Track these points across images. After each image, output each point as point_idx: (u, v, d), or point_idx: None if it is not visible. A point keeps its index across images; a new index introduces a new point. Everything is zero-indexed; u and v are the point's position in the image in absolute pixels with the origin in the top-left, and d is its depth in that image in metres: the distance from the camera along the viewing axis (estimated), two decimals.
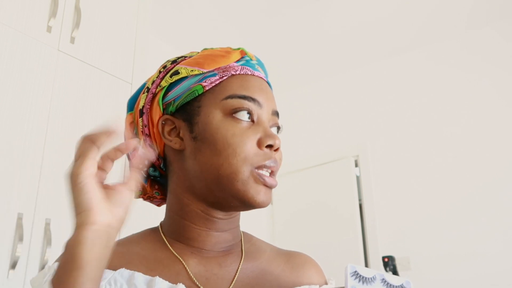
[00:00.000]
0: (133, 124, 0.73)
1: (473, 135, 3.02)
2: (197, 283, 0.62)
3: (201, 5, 2.90)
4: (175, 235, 0.68)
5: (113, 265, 0.62)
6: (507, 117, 2.94)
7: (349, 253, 3.22)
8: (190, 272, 0.63)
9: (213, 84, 0.66)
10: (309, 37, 3.26)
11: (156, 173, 0.73)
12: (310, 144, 3.70)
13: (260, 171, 0.63)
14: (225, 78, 0.67)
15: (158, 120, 0.69)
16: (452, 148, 3.07)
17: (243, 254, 0.69)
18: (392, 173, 3.28)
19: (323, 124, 3.69)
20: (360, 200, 3.40)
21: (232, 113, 0.64)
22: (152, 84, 0.71)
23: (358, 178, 3.47)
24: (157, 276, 0.60)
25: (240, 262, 0.68)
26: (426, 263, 2.94)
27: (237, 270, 0.66)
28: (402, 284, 0.56)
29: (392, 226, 3.18)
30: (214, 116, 0.65)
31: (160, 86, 0.69)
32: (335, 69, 3.66)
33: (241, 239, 0.72)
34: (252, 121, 0.65)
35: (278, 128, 0.70)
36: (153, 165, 0.72)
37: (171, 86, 0.69)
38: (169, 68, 0.70)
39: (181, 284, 0.59)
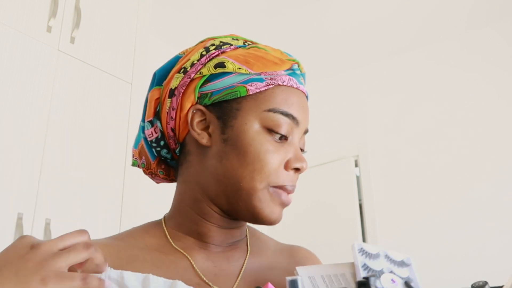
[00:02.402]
0: (158, 101, 0.69)
1: (473, 135, 3.02)
2: (205, 279, 0.62)
3: (201, 5, 2.90)
4: (183, 228, 0.66)
5: (114, 263, 0.60)
6: (507, 117, 2.94)
7: (349, 253, 3.21)
8: (197, 268, 0.63)
9: (258, 90, 0.63)
10: (309, 37, 3.26)
11: (168, 156, 0.70)
12: (310, 144, 3.68)
13: (278, 190, 0.63)
14: (270, 87, 0.64)
15: (190, 108, 0.65)
16: (452, 148, 3.07)
17: (249, 249, 0.69)
18: (392, 173, 3.28)
19: (323, 124, 3.69)
20: (360, 200, 3.40)
21: (270, 127, 0.62)
22: (191, 66, 0.66)
23: (358, 178, 3.47)
24: (150, 274, 0.57)
25: (246, 257, 0.67)
26: (426, 263, 2.94)
27: (243, 265, 0.66)
28: (403, 260, 0.59)
29: (392, 226, 3.18)
30: (251, 126, 0.62)
31: (200, 73, 0.65)
32: (335, 69, 3.66)
33: (247, 234, 0.72)
34: (286, 138, 0.63)
35: (302, 149, 0.69)
36: (167, 147, 0.69)
37: (212, 77, 0.64)
38: (213, 55, 0.65)
39: (178, 280, 0.58)
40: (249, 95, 0.63)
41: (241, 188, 0.61)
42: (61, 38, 1.78)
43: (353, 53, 3.45)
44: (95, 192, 1.74)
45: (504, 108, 2.96)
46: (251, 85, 0.63)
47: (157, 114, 0.69)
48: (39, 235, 1.56)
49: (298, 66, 0.67)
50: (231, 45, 0.67)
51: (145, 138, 0.70)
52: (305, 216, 3.53)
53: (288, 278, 0.54)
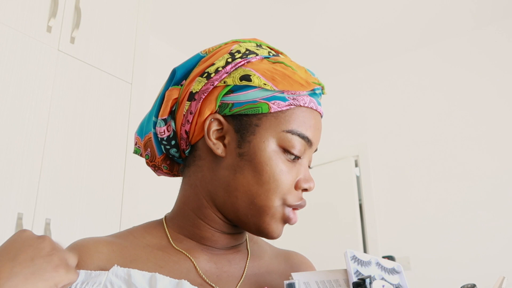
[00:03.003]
0: (175, 101, 0.68)
1: (473, 135, 3.02)
2: (207, 280, 0.62)
3: (201, 5, 2.90)
4: (185, 231, 0.66)
5: (118, 261, 0.60)
6: (508, 117, 2.94)
7: None
8: (199, 270, 0.63)
9: (279, 109, 0.63)
10: (309, 37, 3.26)
11: (177, 155, 0.70)
12: None
13: (289, 209, 0.64)
14: (292, 107, 0.64)
15: (208, 116, 0.64)
16: (453, 148, 3.07)
17: (249, 253, 0.70)
18: (392, 173, 3.28)
19: (323, 124, 3.68)
20: (360, 200, 3.40)
21: (286, 147, 0.63)
22: (215, 72, 0.64)
23: (358, 178, 3.47)
24: (157, 273, 0.58)
25: (247, 261, 0.68)
26: (426, 263, 2.94)
27: (244, 268, 0.67)
28: (394, 267, 0.61)
29: (392, 226, 3.18)
30: (269, 144, 0.63)
31: (224, 82, 0.64)
32: (335, 69, 3.66)
33: (246, 238, 0.73)
34: (298, 158, 0.65)
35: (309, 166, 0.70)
36: (177, 147, 0.69)
37: (236, 87, 0.63)
38: (239, 64, 0.64)
39: (184, 280, 0.58)
40: (270, 112, 0.63)
41: (255, 204, 0.62)
42: (61, 38, 1.78)
43: (353, 53, 3.45)
44: (95, 192, 1.74)
45: (505, 108, 2.96)
46: (273, 103, 0.63)
47: (172, 113, 0.68)
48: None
49: (322, 89, 0.69)
50: (256, 54, 0.66)
51: (155, 134, 0.69)
52: (305, 216, 3.52)
53: (286, 282, 0.55)
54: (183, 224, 0.67)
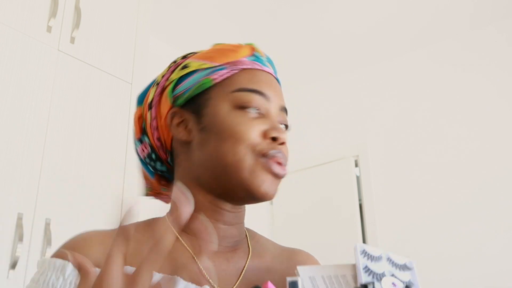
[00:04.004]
0: (141, 119, 0.73)
1: (473, 135, 3.02)
2: (210, 280, 0.62)
3: (201, 5, 2.90)
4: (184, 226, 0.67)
5: None
6: (507, 117, 2.94)
7: (349, 253, 3.22)
8: (201, 266, 0.63)
9: (223, 78, 0.67)
10: (309, 37, 3.26)
11: (163, 168, 0.73)
12: (310, 144, 3.70)
13: (268, 160, 0.63)
14: (235, 72, 0.67)
15: (167, 113, 0.69)
16: (453, 148, 3.07)
17: (251, 251, 0.69)
18: (392, 173, 3.28)
19: (323, 124, 3.69)
20: (360, 200, 3.40)
21: (240, 105, 0.65)
22: (161, 78, 0.71)
23: (358, 178, 3.47)
24: (177, 276, 0.58)
25: (247, 259, 0.68)
26: (426, 263, 2.93)
27: (243, 267, 0.66)
28: (406, 263, 0.59)
29: (392, 226, 3.18)
30: (222, 108, 0.65)
31: (169, 80, 0.70)
32: (335, 69, 3.66)
33: (247, 236, 0.72)
34: (261, 114, 0.66)
35: (286, 126, 0.70)
36: (160, 160, 0.72)
37: (181, 79, 0.69)
38: (179, 63, 0.71)
39: (177, 276, 0.58)
40: (216, 83, 0.67)
41: (228, 164, 0.63)
42: (61, 38, 1.78)
43: (353, 53, 3.45)
44: (95, 192, 1.74)
45: (505, 108, 2.96)
46: (215, 75, 0.67)
47: (143, 131, 0.72)
48: (39, 235, 1.56)
49: (256, 50, 0.71)
50: (195, 52, 0.72)
51: (140, 158, 0.74)
52: (305, 216, 3.53)
53: (289, 279, 0.53)
54: None
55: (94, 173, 1.76)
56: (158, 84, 0.71)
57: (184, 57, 0.72)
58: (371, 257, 0.57)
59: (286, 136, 0.65)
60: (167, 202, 0.77)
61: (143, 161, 0.73)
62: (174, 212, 0.50)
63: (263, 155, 0.63)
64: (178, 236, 0.66)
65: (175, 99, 0.69)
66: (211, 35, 3.14)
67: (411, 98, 3.34)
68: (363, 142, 3.46)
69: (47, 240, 1.55)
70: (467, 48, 3.20)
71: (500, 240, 2.74)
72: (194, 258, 0.64)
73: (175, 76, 0.69)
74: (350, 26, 3.15)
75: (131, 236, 0.47)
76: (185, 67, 0.69)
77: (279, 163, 0.64)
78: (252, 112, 0.65)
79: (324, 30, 3.19)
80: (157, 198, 0.76)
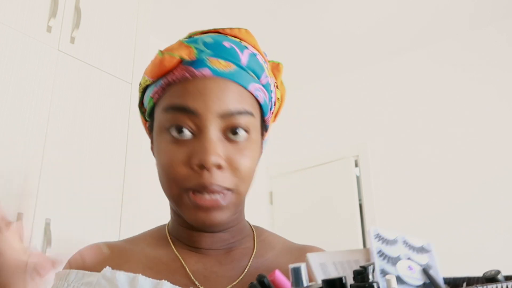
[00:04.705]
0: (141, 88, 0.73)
1: (474, 135, 3.02)
2: (196, 282, 0.62)
3: (201, 5, 2.90)
4: (174, 233, 0.68)
5: (113, 263, 0.63)
6: (507, 117, 2.94)
7: None
8: (188, 270, 0.63)
9: (158, 96, 0.62)
10: (309, 37, 3.26)
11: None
12: (310, 144, 3.70)
13: (196, 193, 0.57)
14: (167, 88, 0.61)
15: (146, 126, 0.69)
16: (453, 148, 3.07)
17: (255, 250, 0.68)
18: (392, 173, 3.28)
19: (323, 124, 3.69)
20: (360, 200, 3.40)
21: (164, 128, 0.60)
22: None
23: (358, 178, 3.47)
24: (140, 274, 0.59)
25: (250, 259, 0.66)
26: None
27: (246, 267, 0.65)
28: (423, 245, 0.56)
29: (392, 226, 3.18)
30: (156, 132, 0.63)
31: (140, 92, 0.69)
32: (335, 69, 3.66)
33: (254, 235, 0.70)
34: (192, 133, 0.58)
35: (246, 130, 0.60)
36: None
37: (142, 94, 0.67)
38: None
39: (165, 281, 0.58)
40: (155, 103, 0.63)
41: (168, 197, 0.62)
42: (61, 38, 1.78)
43: (353, 53, 3.45)
44: (95, 192, 1.74)
45: (504, 108, 2.96)
46: (154, 93, 0.63)
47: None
48: (39, 235, 1.56)
49: (197, 47, 0.60)
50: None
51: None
52: (305, 216, 3.53)
53: (291, 266, 0.49)
54: (171, 228, 0.69)
55: (94, 173, 1.76)
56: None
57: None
58: (385, 241, 0.54)
59: (215, 158, 0.56)
60: None
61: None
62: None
63: (192, 190, 0.57)
64: (171, 244, 0.67)
65: (145, 111, 0.68)
66: None
67: (411, 98, 3.34)
68: (363, 142, 3.46)
69: (47, 240, 1.55)
70: (467, 48, 3.19)
71: (500, 240, 2.74)
72: (182, 263, 0.64)
73: (139, 89, 0.68)
74: (350, 26, 3.15)
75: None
76: (140, 83, 0.67)
77: (212, 192, 0.57)
78: (180, 136, 0.58)
79: (324, 30, 3.19)
80: None
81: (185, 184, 0.57)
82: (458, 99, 3.14)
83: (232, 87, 0.59)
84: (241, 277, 0.63)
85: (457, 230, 2.90)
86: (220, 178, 0.57)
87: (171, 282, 0.59)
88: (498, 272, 0.48)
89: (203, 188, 0.57)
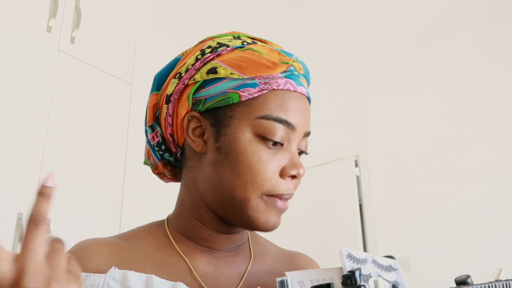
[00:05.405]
0: (156, 106, 0.69)
1: (474, 135, 3.02)
2: (202, 283, 0.61)
3: (201, 5, 2.90)
4: (184, 232, 0.66)
5: (117, 263, 0.61)
6: (508, 117, 2.94)
7: None
8: (195, 272, 0.62)
9: (251, 97, 0.61)
10: (309, 37, 3.26)
11: (171, 158, 0.70)
12: (310, 144, 3.68)
13: (274, 198, 0.61)
14: (264, 92, 0.61)
15: (185, 115, 0.64)
16: (453, 148, 3.07)
17: (252, 255, 0.69)
18: (392, 173, 3.28)
19: (323, 124, 3.69)
20: (360, 200, 3.41)
21: (263, 136, 0.60)
22: (185, 72, 0.65)
23: (358, 178, 3.47)
24: (153, 275, 0.58)
25: (249, 263, 0.67)
26: (426, 263, 2.94)
27: (245, 271, 0.65)
28: (391, 264, 0.61)
29: (392, 226, 3.18)
30: (243, 134, 0.60)
31: (193, 79, 0.63)
32: (335, 69, 3.66)
33: (249, 239, 0.71)
34: (282, 145, 0.61)
35: (304, 151, 0.66)
36: (169, 151, 0.69)
37: (206, 82, 0.63)
38: (207, 59, 0.64)
39: (180, 282, 0.58)
40: (242, 101, 0.61)
41: (234, 197, 0.60)
42: (61, 38, 1.78)
43: (353, 53, 3.45)
44: (95, 192, 1.74)
45: (504, 108, 2.96)
46: (243, 91, 0.61)
47: (156, 119, 0.69)
48: None
49: (295, 68, 0.64)
50: (227, 46, 0.65)
51: (149, 142, 0.70)
52: (305, 216, 3.53)
53: (278, 279, 0.55)
54: (182, 225, 0.67)
55: (94, 173, 1.76)
56: (180, 77, 0.65)
57: (214, 50, 0.64)
58: (356, 260, 0.59)
59: (304, 171, 0.62)
60: (166, 181, 0.76)
61: (151, 146, 0.69)
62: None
63: (274, 195, 0.61)
64: (174, 243, 0.65)
65: (195, 101, 0.63)
66: (211, 35, 3.14)
67: (411, 98, 3.34)
68: (363, 142, 3.47)
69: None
70: (468, 48, 3.20)
71: (500, 240, 2.74)
72: (189, 265, 0.63)
73: (200, 77, 0.63)
74: (350, 26, 3.15)
75: None
76: (212, 71, 0.62)
77: (285, 199, 0.63)
78: (274, 145, 0.60)
79: (324, 30, 3.19)
80: (157, 175, 0.74)
81: (271, 191, 0.61)
82: (458, 99, 3.14)
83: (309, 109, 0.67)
84: (242, 280, 0.64)
85: (457, 230, 2.90)
86: (294, 187, 0.64)
87: (185, 284, 0.59)
88: (468, 276, 0.54)
89: (287, 195, 0.62)
